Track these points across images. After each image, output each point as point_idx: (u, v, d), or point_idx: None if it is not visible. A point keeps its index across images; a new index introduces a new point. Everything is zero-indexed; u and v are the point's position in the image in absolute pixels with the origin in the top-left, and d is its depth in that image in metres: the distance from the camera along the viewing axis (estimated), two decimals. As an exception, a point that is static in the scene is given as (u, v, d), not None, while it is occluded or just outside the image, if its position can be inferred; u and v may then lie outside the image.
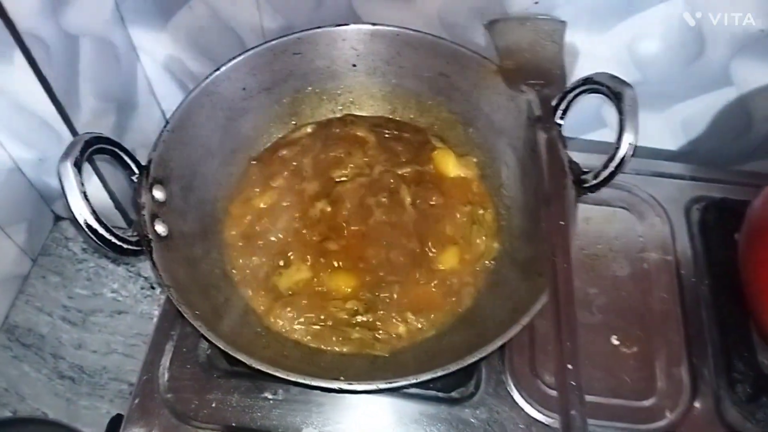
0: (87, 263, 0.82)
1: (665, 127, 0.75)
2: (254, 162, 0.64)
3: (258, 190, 0.62)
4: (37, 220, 0.82)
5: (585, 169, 0.53)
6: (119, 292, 0.81)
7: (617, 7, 0.63)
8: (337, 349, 0.54)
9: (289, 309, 0.55)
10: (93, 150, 0.50)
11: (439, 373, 0.44)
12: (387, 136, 0.66)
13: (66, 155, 0.47)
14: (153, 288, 0.81)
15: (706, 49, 0.64)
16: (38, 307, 0.79)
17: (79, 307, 0.79)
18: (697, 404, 0.58)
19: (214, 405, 0.56)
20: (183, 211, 0.56)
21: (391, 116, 0.68)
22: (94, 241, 0.47)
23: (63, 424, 0.69)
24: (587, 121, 0.76)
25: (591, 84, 0.53)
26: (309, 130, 0.67)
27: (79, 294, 0.80)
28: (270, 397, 0.57)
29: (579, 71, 0.67)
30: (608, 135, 0.77)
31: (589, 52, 0.67)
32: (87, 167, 0.72)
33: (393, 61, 0.64)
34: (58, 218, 0.85)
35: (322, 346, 0.54)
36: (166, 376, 0.58)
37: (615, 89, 0.51)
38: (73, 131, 0.69)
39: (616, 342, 0.60)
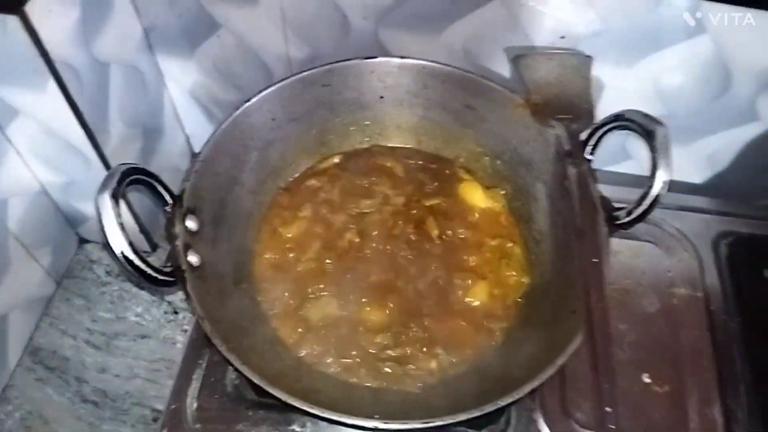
0: (111, 286, 0.83)
1: (691, 161, 0.75)
2: (283, 191, 0.65)
3: (286, 219, 0.62)
4: (62, 242, 0.83)
5: (617, 206, 0.53)
6: (143, 316, 0.81)
7: (643, 42, 0.63)
8: (367, 383, 0.54)
9: (318, 341, 0.55)
10: (129, 181, 0.50)
11: (476, 414, 0.45)
12: (414, 166, 0.66)
13: (104, 186, 0.47)
14: (176, 313, 0.81)
15: (732, 84, 0.65)
16: (62, 330, 0.79)
17: (103, 330, 0.79)
18: (730, 445, 0.57)
19: (241, 436, 0.56)
20: (214, 241, 0.57)
21: (417, 147, 0.68)
22: (130, 272, 0.48)
23: (86, 450, 0.69)
24: (611, 154, 0.76)
25: (622, 121, 0.53)
26: (336, 160, 0.67)
27: (102, 317, 0.80)
28: (298, 429, 0.57)
29: (605, 105, 0.69)
30: (632, 167, 0.77)
31: (616, 86, 0.68)
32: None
33: (420, 94, 0.65)
34: (82, 241, 0.86)
35: (353, 380, 0.54)
36: (195, 405, 0.58)
37: (647, 127, 0.51)
38: (102, 156, 0.70)
39: (647, 380, 0.60)
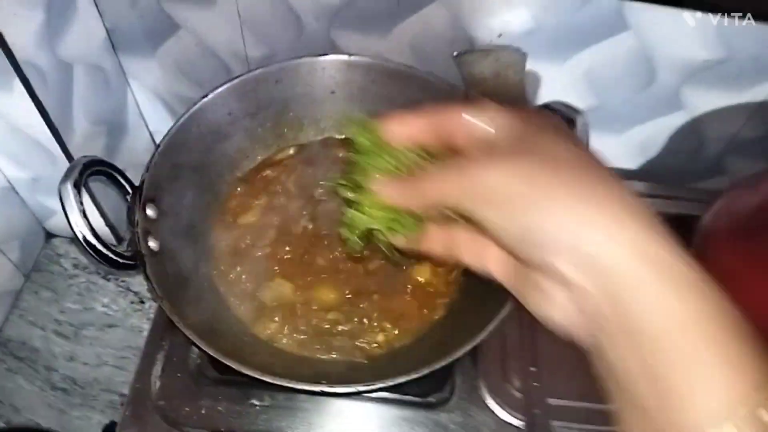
0: (78, 279, 0.85)
1: (624, 148, 0.80)
2: (239, 181, 0.68)
3: (243, 207, 0.66)
4: (29, 237, 0.85)
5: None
6: (110, 306, 0.84)
7: (573, 39, 0.68)
8: (319, 356, 0.58)
9: (274, 320, 0.59)
10: (91, 172, 0.54)
11: (413, 376, 0.49)
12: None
13: (66, 177, 0.51)
14: (142, 302, 0.84)
15: (657, 76, 0.70)
16: (31, 321, 0.82)
17: (71, 321, 0.82)
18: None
19: (203, 411, 0.60)
20: (173, 228, 0.60)
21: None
22: (93, 256, 0.51)
23: (57, 432, 0.72)
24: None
25: (548, 111, 0.58)
26: (291, 152, 0.71)
27: (70, 308, 0.83)
28: (257, 403, 0.60)
29: (542, 97, 0.73)
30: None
31: (551, 80, 0.72)
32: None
33: (368, 89, 0.69)
34: (49, 236, 0.88)
35: (306, 354, 0.58)
36: (158, 384, 0.61)
37: (568, 116, 0.56)
38: (67, 153, 0.73)
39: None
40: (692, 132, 0.76)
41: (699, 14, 0.62)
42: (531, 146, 0.33)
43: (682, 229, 0.69)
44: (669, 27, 0.65)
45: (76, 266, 0.87)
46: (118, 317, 0.83)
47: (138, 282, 0.86)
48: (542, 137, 0.34)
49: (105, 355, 0.80)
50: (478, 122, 0.36)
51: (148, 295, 0.84)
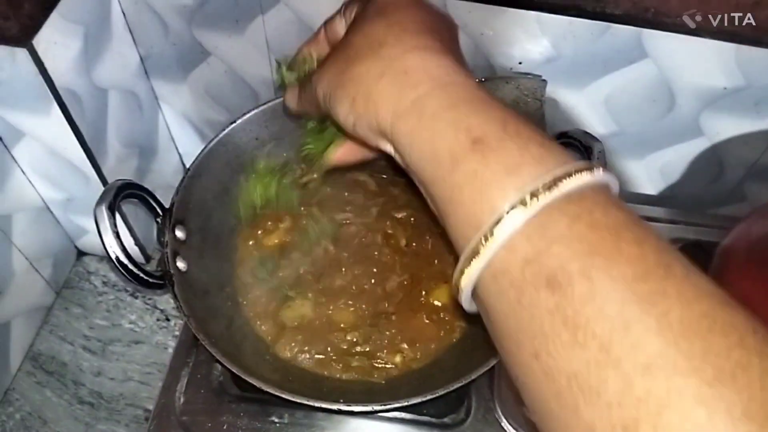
0: (107, 296, 0.88)
1: (645, 174, 0.81)
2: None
3: (268, 230, 0.68)
4: (61, 255, 0.88)
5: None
6: (136, 323, 0.86)
7: (593, 67, 0.69)
8: (338, 375, 0.59)
9: (294, 339, 0.61)
10: (124, 195, 0.56)
11: (429, 397, 0.50)
12: (386, 181, 0.72)
13: (101, 200, 0.53)
14: (168, 320, 0.86)
15: (676, 103, 0.71)
16: (61, 337, 0.85)
17: (99, 336, 0.85)
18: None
19: (225, 427, 0.61)
20: (200, 249, 0.62)
21: (390, 163, 0.74)
22: (125, 275, 0.53)
23: (83, 445, 0.74)
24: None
25: (566, 138, 0.59)
26: (315, 175, 0.73)
27: (99, 325, 0.86)
28: (276, 420, 0.62)
29: (561, 124, 0.75)
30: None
31: (571, 106, 0.74)
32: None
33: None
34: (80, 254, 0.91)
35: (325, 373, 0.59)
36: (182, 399, 0.63)
37: (585, 143, 0.57)
38: (100, 174, 0.76)
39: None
40: (712, 158, 0.77)
41: (718, 43, 0.63)
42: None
43: (702, 255, 0.70)
44: (688, 55, 0.66)
45: (105, 284, 0.89)
46: (145, 334, 0.85)
47: (164, 300, 0.88)
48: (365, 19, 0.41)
49: (131, 370, 0.83)
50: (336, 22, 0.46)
51: (174, 312, 0.87)
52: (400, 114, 0.35)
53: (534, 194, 0.29)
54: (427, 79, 0.35)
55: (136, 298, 0.88)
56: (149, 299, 0.88)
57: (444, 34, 0.39)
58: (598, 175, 0.30)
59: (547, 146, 0.31)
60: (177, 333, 0.84)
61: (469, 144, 0.32)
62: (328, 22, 0.48)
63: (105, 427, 0.79)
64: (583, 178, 0.29)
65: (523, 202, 0.29)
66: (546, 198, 0.29)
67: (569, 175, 0.29)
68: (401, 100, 0.35)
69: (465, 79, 0.35)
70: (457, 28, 0.43)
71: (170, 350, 0.83)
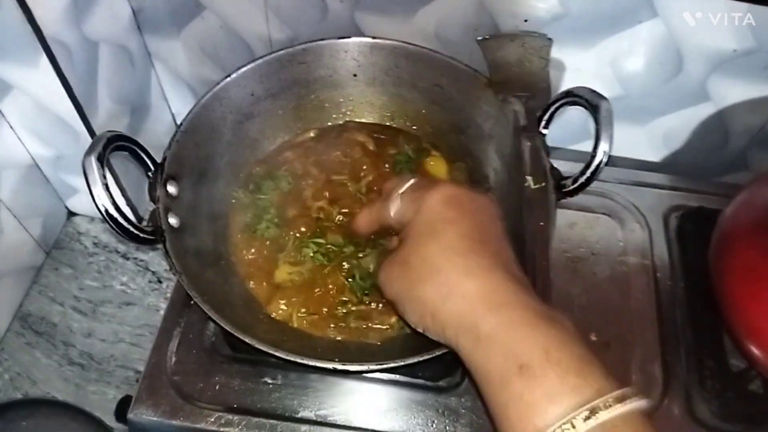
0: (98, 257, 0.87)
1: (647, 140, 0.79)
2: (260, 162, 0.69)
3: (261, 188, 0.66)
4: (51, 214, 0.86)
5: (565, 175, 0.58)
6: (128, 284, 0.85)
7: (601, 26, 0.67)
8: (332, 336, 0.58)
9: (287, 299, 0.59)
10: (114, 147, 0.54)
11: (425, 357, 0.49)
12: (384, 141, 0.70)
13: (90, 150, 0.51)
14: (160, 282, 0.85)
15: (684, 66, 0.69)
16: (51, 297, 0.83)
17: (90, 298, 0.83)
18: (669, 399, 0.62)
19: (217, 387, 0.60)
20: (193, 206, 0.61)
21: (388, 123, 0.72)
22: (114, 229, 0.51)
23: (72, 405, 0.73)
24: (575, 133, 0.80)
25: (572, 97, 0.57)
26: (312, 134, 0.71)
27: (89, 285, 0.84)
28: (269, 381, 0.61)
29: (565, 85, 0.73)
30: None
31: (575, 68, 0.72)
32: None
33: (391, 72, 0.69)
34: (71, 214, 0.89)
35: (319, 334, 0.58)
36: (173, 359, 0.62)
37: (592, 102, 0.55)
38: (90, 131, 0.74)
39: (594, 338, 0.64)
40: (717, 124, 0.75)
41: (730, 2, 0.61)
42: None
43: (704, 222, 0.69)
44: (699, 14, 0.64)
45: (96, 245, 0.88)
46: (136, 296, 0.84)
47: (156, 262, 0.87)
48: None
49: (122, 332, 0.82)
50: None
51: (166, 275, 0.85)
52: (461, 334, 0.42)
53: (573, 424, 0.35)
54: (482, 305, 0.41)
55: (128, 259, 0.87)
56: (141, 261, 0.86)
57: (490, 238, 0.46)
58: (632, 404, 0.36)
59: (585, 374, 0.37)
60: (169, 295, 0.82)
61: (516, 369, 0.38)
62: (380, 207, 0.54)
63: (95, 388, 0.78)
64: (617, 410, 0.35)
65: (564, 430, 0.35)
66: (583, 427, 0.35)
67: (606, 406, 0.35)
68: (462, 322, 0.42)
69: (515, 297, 0.41)
70: (497, 215, 0.49)
71: (162, 312, 0.81)
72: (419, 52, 0.67)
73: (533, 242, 0.53)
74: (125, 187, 0.81)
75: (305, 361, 0.48)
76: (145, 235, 0.54)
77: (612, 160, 0.81)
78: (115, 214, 0.51)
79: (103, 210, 0.51)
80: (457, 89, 0.67)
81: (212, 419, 0.58)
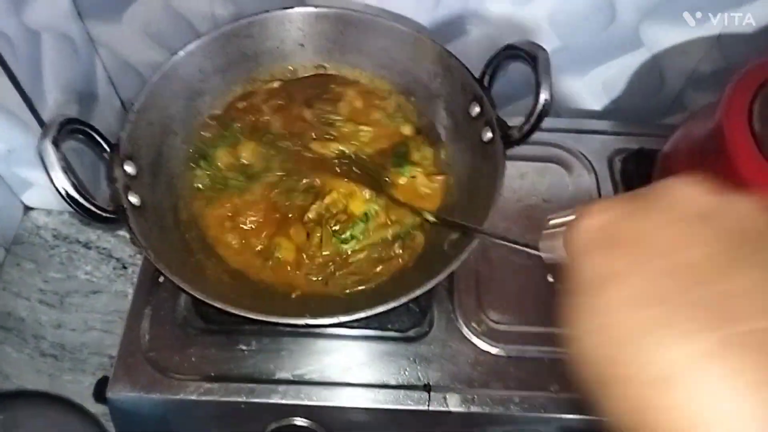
0: (59, 249, 0.86)
1: (588, 89, 0.82)
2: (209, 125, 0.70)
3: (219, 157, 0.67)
4: (7, 210, 0.85)
5: (510, 125, 0.60)
6: (93, 273, 0.85)
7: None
8: (299, 292, 0.60)
9: (255, 259, 0.61)
10: (68, 130, 0.54)
11: (392, 305, 0.51)
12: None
13: (45, 134, 0.52)
14: (125, 268, 0.85)
15: (617, 14, 0.72)
16: (15, 293, 0.83)
17: (56, 289, 0.83)
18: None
19: (193, 359, 0.62)
20: (153, 184, 0.61)
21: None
22: (75, 209, 0.52)
23: (47, 393, 0.74)
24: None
25: (512, 50, 0.60)
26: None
27: (54, 278, 0.84)
28: (244, 348, 0.62)
29: (507, 39, 0.75)
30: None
31: (517, 23, 0.74)
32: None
33: (337, 40, 0.70)
34: (27, 208, 0.89)
35: (289, 291, 0.60)
36: (147, 337, 0.63)
37: (531, 52, 0.58)
38: (40, 122, 0.73)
39: (551, 279, 0.67)
40: (653, 69, 0.79)
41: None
42: None
43: (646, 162, 0.73)
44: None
45: (56, 237, 0.87)
46: (102, 283, 0.84)
47: (120, 248, 0.87)
48: None
49: (92, 320, 0.82)
50: None
51: (130, 260, 0.85)
52: None
53: None
54: None
55: (90, 248, 0.87)
56: (103, 249, 0.86)
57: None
58: None
59: None
60: (135, 280, 0.83)
61: None
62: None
63: (70, 377, 0.78)
64: None
65: None
66: None
67: None
68: None
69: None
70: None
71: (130, 297, 0.81)
72: (363, 18, 0.68)
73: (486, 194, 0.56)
74: (81, 178, 0.81)
75: (276, 320, 0.50)
76: (108, 215, 0.55)
77: (557, 111, 0.85)
78: (76, 195, 0.52)
79: (63, 192, 0.51)
80: (403, 51, 0.69)
81: (191, 389, 0.60)
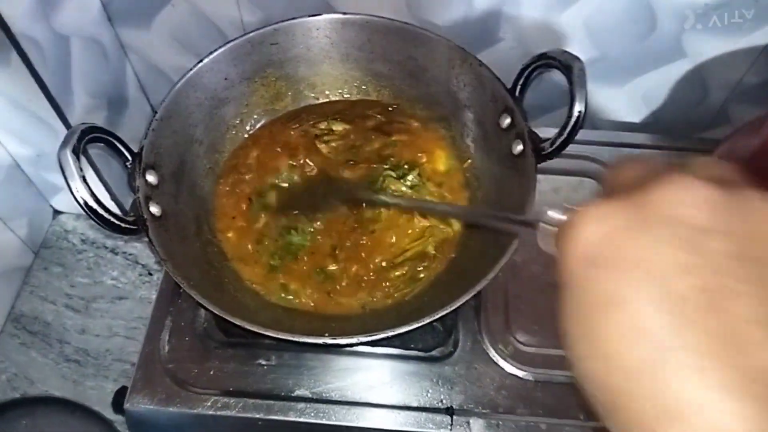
0: (87, 253, 0.86)
1: (627, 101, 0.79)
2: (239, 146, 0.68)
3: (242, 169, 0.66)
4: (37, 214, 0.86)
5: (543, 138, 0.58)
6: (119, 279, 0.85)
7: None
8: (322, 312, 0.58)
9: (275, 279, 0.59)
10: (89, 139, 0.54)
11: (414, 326, 0.49)
12: (363, 115, 0.70)
13: (65, 143, 0.51)
14: (150, 274, 0.85)
15: (658, 23, 0.69)
16: (42, 297, 0.83)
17: (81, 294, 0.83)
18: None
19: (212, 372, 0.61)
20: (175, 194, 0.61)
21: (369, 98, 0.72)
22: (94, 220, 0.51)
23: (70, 400, 0.74)
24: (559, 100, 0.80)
25: (545, 59, 0.57)
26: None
27: (80, 282, 0.84)
28: (264, 363, 0.61)
29: (542, 48, 0.72)
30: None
31: (552, 31, 0.71)
32: (84, 161, 0.76)
33: (364, 47, 0.68)
34: (57, 212, 0.89)
35: (309, 310, 0.58)
36: (167, 348, 0.62)
37: (565, 62, 0.55)
38: (68, 127, 0.73)
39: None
40: (695, 80, 0.75)
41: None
42: None
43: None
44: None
45: (84, 241, 0.88)
46: (128, 289, 0.84)
47: (145, 255, 0.86)
48: None
49: (116, 326, 0.82)
50: None
51: (156, 267, 0.85)
52: None
53: None
54: None
55: (117, 254, 0.87)
56: (130, 255, 0.86)
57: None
58: None
59: None
60: (160, 287, 0.83)
61: None
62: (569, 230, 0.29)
63: (93, 383, 0.78)
64: None
65: None
66: None
67: None
68: None
69: None
70: None
71: (155, 299, 0.81)
72: (391, 25, 0.66)
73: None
74: (108, 182, 0.81)
75: (295, 338, 0.49)
76: (127, 225, 0.54)
77: (594, 123, 0.82)
78: (95, 206, 0.51)
79: (81, 202, 0.50)
80: (432, 60, 0.67)
81: (208, 403, 0.58)
